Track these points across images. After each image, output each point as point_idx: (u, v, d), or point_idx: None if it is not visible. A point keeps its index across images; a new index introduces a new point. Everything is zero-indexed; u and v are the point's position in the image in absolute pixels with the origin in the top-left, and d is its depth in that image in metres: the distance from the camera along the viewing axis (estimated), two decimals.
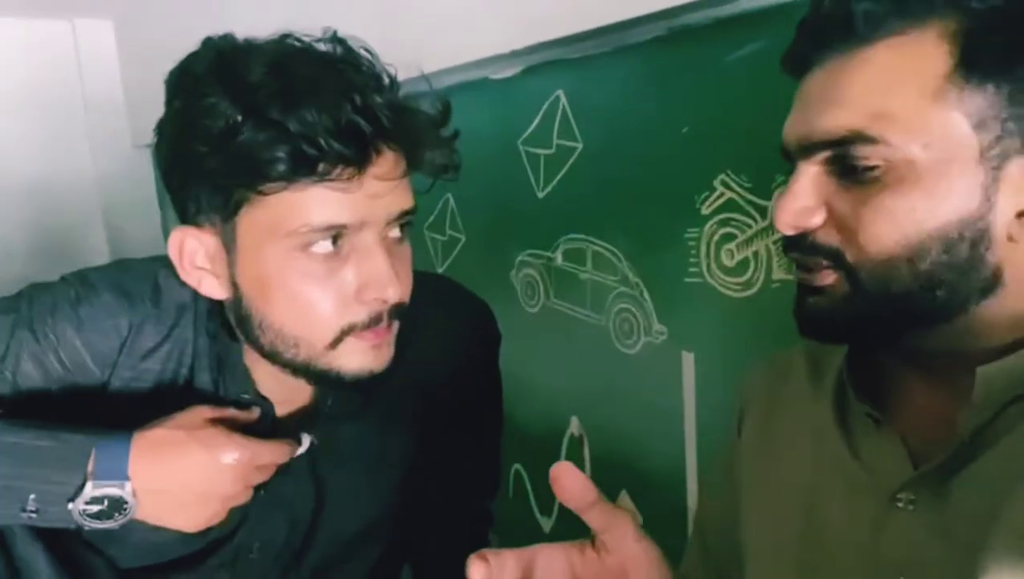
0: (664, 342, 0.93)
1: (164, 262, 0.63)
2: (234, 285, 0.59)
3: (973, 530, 0.42)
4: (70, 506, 0.57)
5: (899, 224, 0.44)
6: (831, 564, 0.51)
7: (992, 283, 0.45)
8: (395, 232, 0.59)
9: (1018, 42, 0.43)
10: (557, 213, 1.07)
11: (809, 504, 0.53)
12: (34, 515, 0.57)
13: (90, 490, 0.57)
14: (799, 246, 0.48)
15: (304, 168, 0.52)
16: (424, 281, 0.73)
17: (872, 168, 0.44)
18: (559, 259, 1.08)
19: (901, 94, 0.44)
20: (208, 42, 0.57)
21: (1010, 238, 0.44)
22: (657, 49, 0.88)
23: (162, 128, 0.58)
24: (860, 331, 0.48)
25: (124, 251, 1.65)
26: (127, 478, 0.57)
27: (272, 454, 0.62)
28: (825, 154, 0.46)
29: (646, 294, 0.95)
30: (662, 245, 0.91)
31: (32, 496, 0.57)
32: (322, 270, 0.56)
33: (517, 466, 1.25)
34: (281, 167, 0.52)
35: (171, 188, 0.60)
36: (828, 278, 0.47)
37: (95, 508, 0.57)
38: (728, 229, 0.83)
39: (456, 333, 0.73)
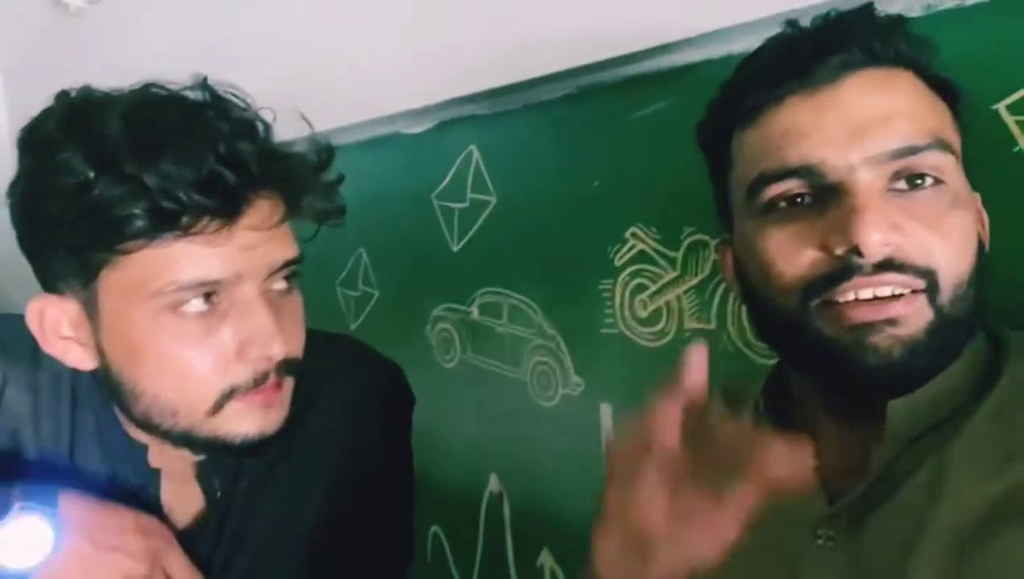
0: (582, 394, 0.93)
1: None
2: (102, 353, 0.55)
3: (891, 564, 0.43)
4: None
5: (969, 243, 0.44)
6: None
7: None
8: (279, 284, 0.56)
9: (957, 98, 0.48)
10: (472, 267, 1.06)
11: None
12: None
13: (14, 516, 0.52)
14: (888, 267, 0.43)
15: (165, 223, 0.49)
16: (330, 343, 0.71)
17: (938, 183, 0.44)
18: (475, 313, 1.07)
19: (944, 120, 0.46)
20: (62, 96, 0.54)
21: None
22: (567, 106, 0.90)
23: (13, 189, 0.54)
24: (933, 367, 0.44)
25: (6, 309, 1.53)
26: (54, 508, 0.53)
27: (181, 569, 0.58)
28: (897, 164, 0.44)
29: (563, 346, 0.95)
30: (577, 297, 0.91)
31: None
32: (196, 330, 0.53)
33: (435, 528, 1.21)
34: (139, 223, 0.49)
35: (27, 254, 0.55)
36: (907, 307, 0.43)
37: (11, 539, 0.52)
38: (640, 280, 0.85)
39: (364, 398, 0.70)
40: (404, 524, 0.78)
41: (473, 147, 1.03)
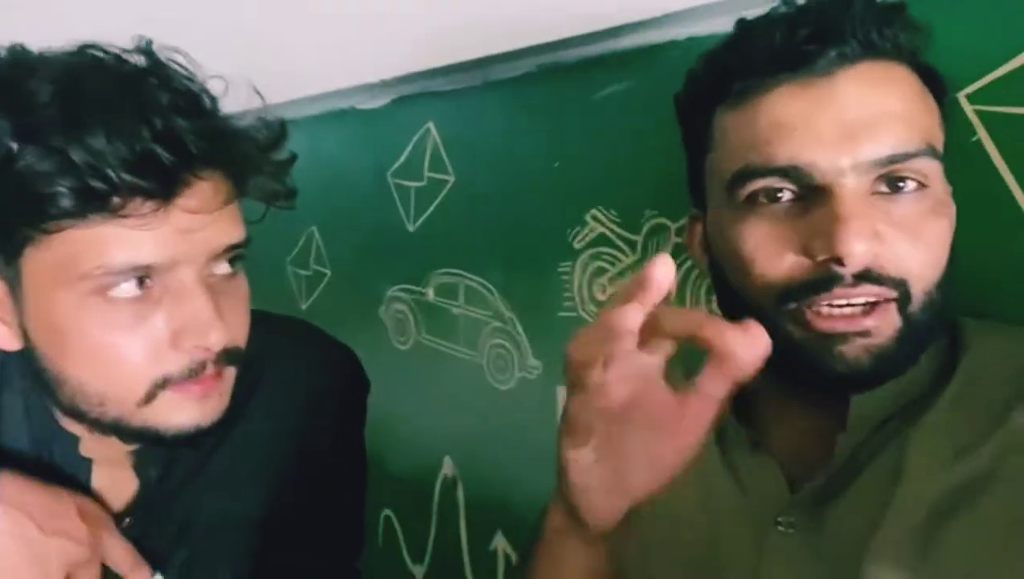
0: (538, 377, 0.92)
1: None
2: (26, 335, 0.52)
3: (851, 550, 0.43)
4: None
5: (943, 250, 0.44)
6: None
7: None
8: (222, 268, 0.52)
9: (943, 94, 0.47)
10: (428, 247, 1.04)
11: (696, 530, 0.53)
12: None
13: None
14: (865, 278, 0.42)
15: (93, 203, 0.45)
16: (278, 325, 0.68)
17: (920, 188, 0.43)
18: (431, 294, 1.05)
19: (934, 118, 0.45)
20: None
21: None
22: (529, 84, 0.89)
23: None
24: (898, 371, 0.44)
25: None
26: None
27: (123, 554, 0.56)
28: (884, 170, 0.43)
29: (520, 329, 0.94)
30: (536, 279, 0.90)
31: None
32: (127, 316, 0.49)
33: (387, 511, 1.19)
34: (65, 202, 0.45)
35: None
36: (878, 318, 0.43)
37: None
38: (600, 263, 0.84)
39: (314, 383, 0.67)
40: (355, 514, 0.76)
41: (431, 124, 1.01)
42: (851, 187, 0.43)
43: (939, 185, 0.45)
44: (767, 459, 0.50)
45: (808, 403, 0.49)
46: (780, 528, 0.47)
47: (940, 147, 0.46)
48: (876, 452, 0.45)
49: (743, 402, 0.53)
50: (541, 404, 0.92)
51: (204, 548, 0.63)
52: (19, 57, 0.49)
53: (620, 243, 0.82)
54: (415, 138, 1.03)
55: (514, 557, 0.99)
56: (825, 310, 0.43)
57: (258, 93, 0.59)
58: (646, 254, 0.80)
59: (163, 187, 0.47)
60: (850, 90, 0.43)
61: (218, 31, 1.17)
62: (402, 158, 1.06)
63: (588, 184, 0.84)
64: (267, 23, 1.14)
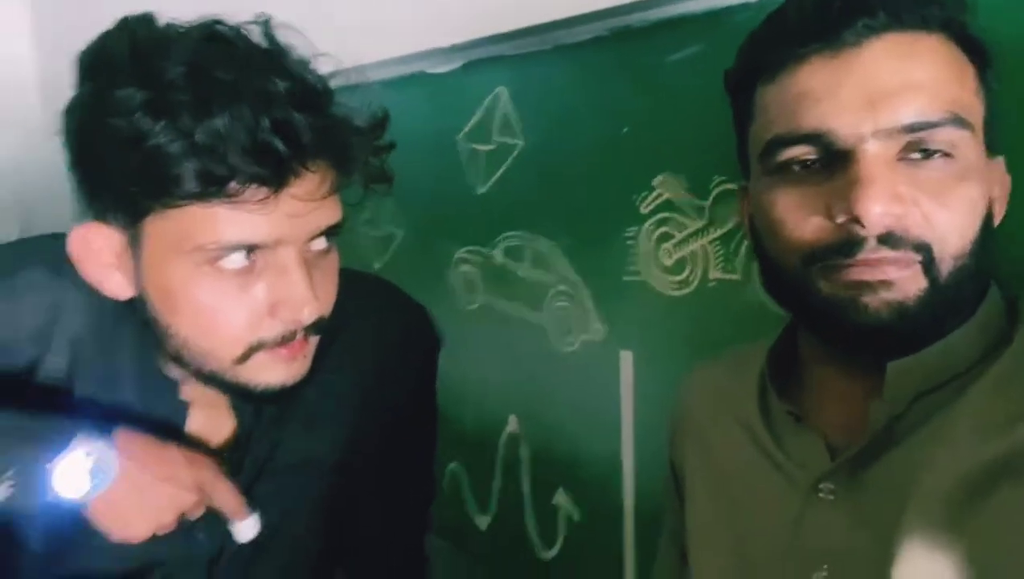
0: (602, 340, 0.94)
1: None
2: (140, 287, 0.56)
3: (890, 516, 0.44)
4: (48, 466, 0.54)
5: (972, 217, 0.44)
6: (759, 555, 0.52)
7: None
8: (319, 244, 0.56)
9: (989, 65, 0.46)
10: (497, 210, 1.06)
11: (739, 498, 0.54)
12: (11, 487, 0.54)
13: (76, 446, 0.55)
14: (886, 241, 0.43)
15: (212, 187, 0.49)
16: (360, 282, 0.71)
17: (947, 156, 0.43)
18: (498, 256, 1.07)
19: (965, 88, 0.45)
20: (125, 23, 0.53)
21: None
22: (598, 48, 0.88)
23: (71, 113, 0.54)
24: (920, 335, 0.45)
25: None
26: (113, 445, 0.57)
27: (227, 496, 0.61)
28: (907, 138, 0.43)
29: (585, 292, 0.95)
30: (601, 243, 0.91)
31: (12, 470, 0.54)
32: (233, 285, 0.53)
33: (453, 465, 1.24)
34: (187, 184, 0.49)
35: (76, 179, 0.56)
36: (902, 271, 0.43)
37: (75, 468, 0.55)
38: (666, 228, 0.84)
39: (391, 336, 0.71)
40: (428, 462, 0.80)
41: (501, 88, 1.02)
42: (873, 152, 0.44)
43: (970, 153, 0.44)
44: (809, 430, 0.51)
45: (848, 374, 0.50)
46: (821, 494, 0.48)
47: (972, 116, 0.45)
48: (917, 422, 0.45)
49: (785, 378, 0.53)
50: (604, 366, 0.93)
51: (286, 485, 0.68)
52: (151, 29, 0.53)
53: (687, 208, 0.82)
54: (485, 102, 1.04)
55: (575, 513, 1.02)
56: (851, 262, 0.45)
57: (361, 76, 0.61)
58: (713, 220, 0.80)
59: (276, 176, 0.50)
60: (875, 60, 0.44)
61: None
62: (472, 122, 1.07)
63: (656, 149, 0.84)
64: None
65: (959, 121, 0.44)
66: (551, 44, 0.93)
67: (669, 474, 0.67)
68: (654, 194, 0.85)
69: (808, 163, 0.46)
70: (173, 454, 0.60)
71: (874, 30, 0.44)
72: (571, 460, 1.01)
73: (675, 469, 0.65)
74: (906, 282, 0.44)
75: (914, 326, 0.44)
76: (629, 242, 0.88)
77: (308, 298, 0.54)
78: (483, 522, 1.20)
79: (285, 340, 0.55)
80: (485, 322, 1.11)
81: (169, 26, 0.53)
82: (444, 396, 1.25)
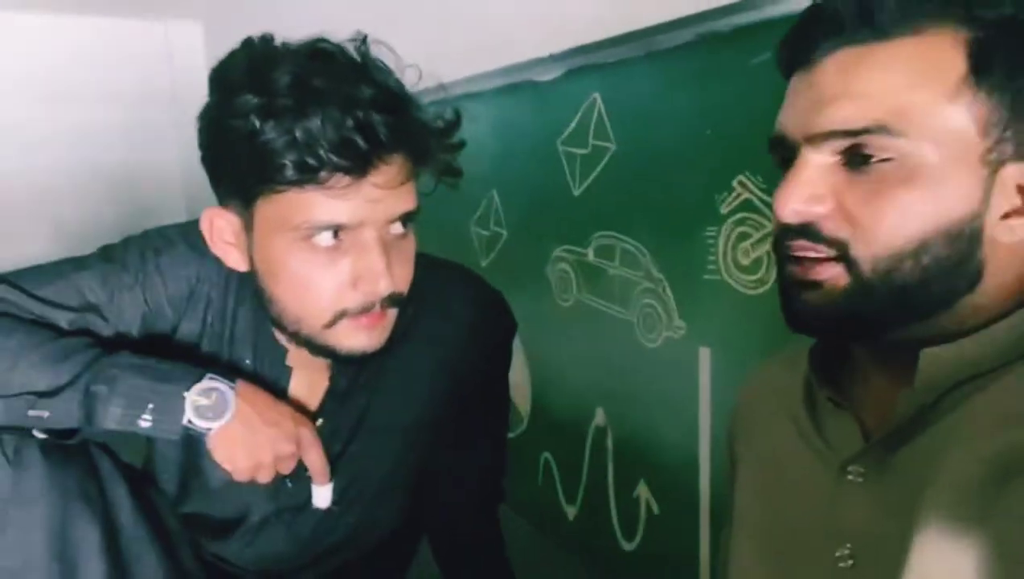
0: (683, 337, 0.96)
1: None
2: (252, 262, 0.67)
3: (914, 499, 0.45)
4: (185, 394, 0.66)
5: (910, 218, 0.46)
6: (791, 534, 0.53)
7: (975, 279, 0.47)
8: (396, 228, 0.64)
9: (1019, 57, 0.45)
10: (590, 211, 1.11)
11: (778, 482, 0.56)
12: (151, 418, 0.66)
13: (205, 383, 0.67)
14: (804, 234, 0.48)
15: (306, 175, 0.59)
16: (444, 267, 0.80)
17: (886, 160, 0.46)
18: (591, 255, 1.12)
19: (923, 92, 0.45)
20: (247, 43, 0.64)
21: (993, 238, 0.46)
22: (685, 54, 0.92)
23: (202, 118, 0.66)
24: (856, 325, 0.49)
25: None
26: (235, 384, 0.68)
27: (317, 458, 0.71)
28: (840, 144, 0.47)
29: (668, 290, 0.98)
30: (684, 243, 0.94)
31: (152, 405, 0.66)
32: (322, 259, 0.62)
33: (546, 454, 1.29)
34: (288, 172, 0.59)
35: (207, 170, 0.67)
36: (827, 271, 0.48)
37: (204, 401, 0.66)
38: (744, 228, 0.86)
39: (468, 317, 0.78)
40: (500, 436, 0.86)
41: (596, 95, 1.07)
42: (808, 156, 0.47)
43: (916, 156, 0.45)
44: (847, 416, 0.52)
45: (884, 361, 0.51)
46: (850, 477, 0.49)
47: (921, 122, 0.45)
48: (946, 412, 0.46)
49: (827, 366, 0.55)
50: (684, 363, 0.96)
51: (370, 445, 0.76)
52: (268, 47, 0.64)
53: (765, 208, 0.83)
54: (583, 108, 1.10)
55: (655, 505, 1.05)
56: (793, 258, 0.49)
57: (442, 85, 0.71)
58: None
59: (358, 167, 0.59)
60: (823, 73, 0.47)
61: (401, 13, 1.31)
62: (571, 127, 1.13)
63: (737, 151, 0.86)
64: (453, 6, 1.26)
65: (886, 130, 0.45)
66: (642, 51, 0.97)
67: (729, 468, 0.69)
68: (734, 194, 0.87)
69: (784, 163, 0.51)
70: (282, 408, 0.71)
71: (832, 49, 0.47)
72: (652, 452, 1.04)
73: (733, 464, 0.68)
74: (833, 280, 0.47)
75: (852, 315, 0.48)
76: (709, 241, 0.90)
77: (383, 273, 0.62)
78: (571, 512, 1.25)
79: (365, 310, 0.64)
80: (578, 318, 1.16)
81: (283, 44, 0.64)
82: (540, 387, 1.31)
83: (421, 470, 0.81)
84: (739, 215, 0.86)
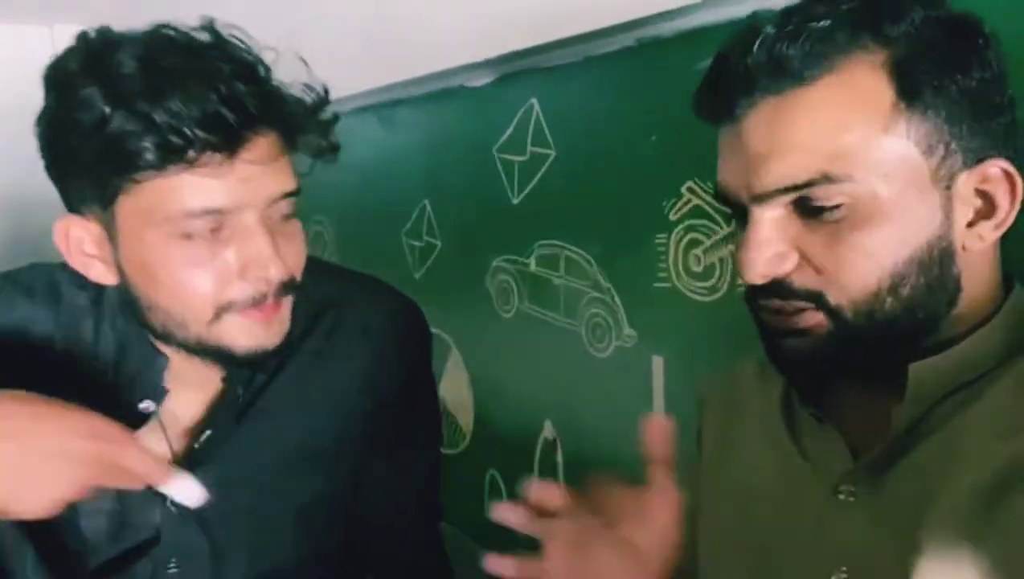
0: (634, 346, 0.95)
1: (63, 266, 0.65)
2: (120, 271, 0.61)
3: (910, 519, 0.44)
4: None
5: (877, 257, 0.45)
6: (779, 558, 0.52)
7: (955, 295, 0.47)
8: (279, 212, 0.60)
9: (943, 64, 0.44)
10: (531, 219, 1.08)
11: (761, 498, 0.55)
12: None
13: None
14: (776, 292, 0.47)
15: (172, 156, 0.54)
16: (354, 278, 0.77)
17: (837, 206, 0.45)
18: (533, 265, 1.09)
19: (856, 130, 0.44)
20: (82, 36, 0.59)
21: (963, 248, 0.46)
22: (626, 59, 0.90)
23: (40, 121, 0.60)
24: (846, 363, 0.48)
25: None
26: None
27: (138, 463, 0.56)
28: (787, 197, 0.45)
29: (617, 299, 0.96)
30: (632, 251, 0.92)
31: None
32: (203, 253, 0.58)
33: (492, 472, 1.26)
34: (149, 156, 0.54)
35: (53, 179, 0.61)
36: (809, 319, 0.46)
37: None
38: (695, 235, 0.85)
39: (381, 328, 0.74)
40: (429, 449, 0.82)
41: (534, 100, 1.04)
42: (758, 214, 0.46)
43: (866, 198, 0.44)
44: (831, 432, 0.51)
45: (868, 379, 0.50)
46: (841, 497, 0.48)
47: (858, 164, 0.44)
48: (937, 425, 0.45)
49: (806, 383, 0.54)
50: (636, 372, 0.94)
51: (279, 471, 0.70)
52: (106, 35, 0.58)
53: (715, 215, 0.83)
54: (519, 114, 1.07)
55: None
56: (770, 309, 0.49)
57: (303, 61, 0.65)
58: None
59: (228, 142, 0.55)
60: (750, 129, 0.46)
61: (333, 16, 1.25)
62: (507, 134, 1.10)
63: (684, 157, 0.85)
64: (381, 6, 1.21)
65: (829, 178, 0.44)
66: (581, 56, 0.95)
67: (697, 435, 0.67)
68: (683, 200, 0.86)
69: (737, 215, 0.49)
70: (69, 423, 0.55)
71: (752, 103, 0.46)
72: (604, 464, 1.02)
73: (699, 430, 0.66)
74: (817, 326, 0.47)
75: (841, 355, 0.47)
76: (659, 249, 0.89)
77: (273, 258, 0.58)
78: None
79: (256, 302, 0.59)
80: (521, 329, 1.13)
81: (121, 33, 0.59)
82: (483, 401, 1.27)
83: (349, 498, 0.75)
84: (689, 221, 0.85)
